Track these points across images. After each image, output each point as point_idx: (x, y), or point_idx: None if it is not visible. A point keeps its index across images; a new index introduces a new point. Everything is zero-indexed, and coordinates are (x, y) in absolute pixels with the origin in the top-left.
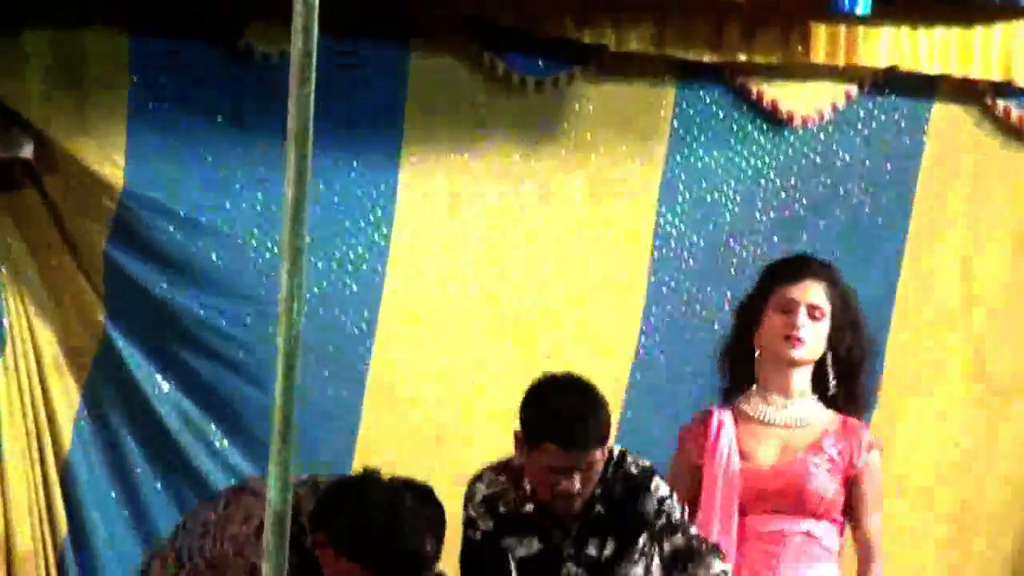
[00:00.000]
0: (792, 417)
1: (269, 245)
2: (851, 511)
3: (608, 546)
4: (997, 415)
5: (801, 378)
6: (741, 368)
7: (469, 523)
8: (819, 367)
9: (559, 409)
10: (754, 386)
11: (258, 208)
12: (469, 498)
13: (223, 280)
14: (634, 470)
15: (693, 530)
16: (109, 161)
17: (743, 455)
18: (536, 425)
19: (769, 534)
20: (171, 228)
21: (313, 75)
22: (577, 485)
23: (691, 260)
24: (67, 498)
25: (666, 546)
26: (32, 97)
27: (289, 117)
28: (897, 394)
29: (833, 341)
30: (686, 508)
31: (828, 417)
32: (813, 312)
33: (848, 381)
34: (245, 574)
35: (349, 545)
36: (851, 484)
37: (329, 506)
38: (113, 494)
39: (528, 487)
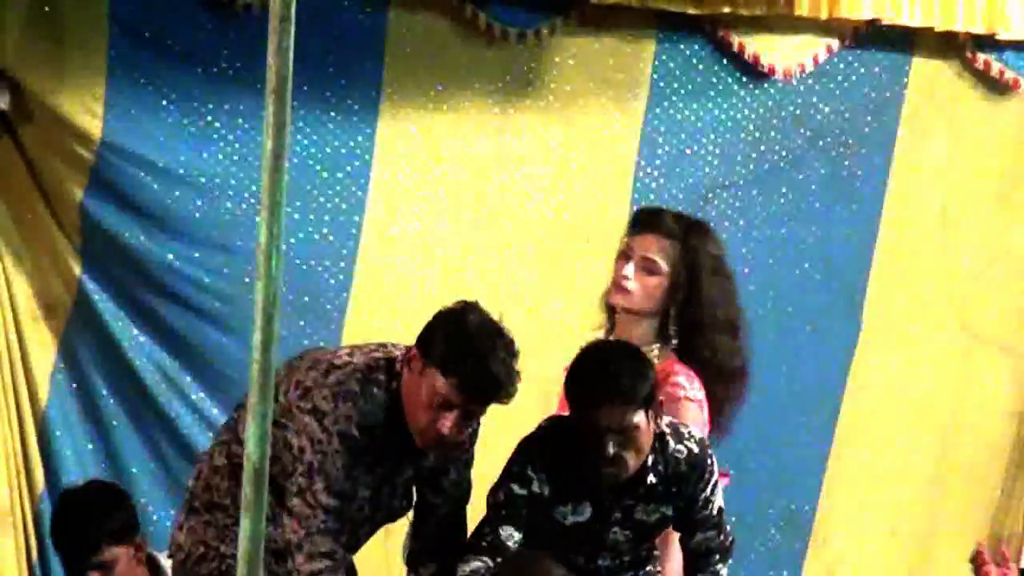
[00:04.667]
0: None
1: (246, 196)
2: None
3: (668, 510)
4: (977, 364)
5: (641, 330)
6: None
7: (520, 478)
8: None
9: (588, 362)
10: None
11: (236, 159)
12: (529, 460)
13: (200, 231)
14: (696, 448)
15: (722, 524)
16: (87, 111)
17: None
18: (568, 379)
19: None
20: (149, 179)
21: (293, 26)
22: (612, 448)
23: None
24: (44, 451)
25: (698, 535)
26: (8, 47)
27: (269, 68)
28: (878, 345)
29: (673, 298)
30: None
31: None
32: (646, 264)
33: (689, 341)
34: (307, 414)
35: (442, 358)
36: None
37: (429, 327)
38: (90, 446)
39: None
